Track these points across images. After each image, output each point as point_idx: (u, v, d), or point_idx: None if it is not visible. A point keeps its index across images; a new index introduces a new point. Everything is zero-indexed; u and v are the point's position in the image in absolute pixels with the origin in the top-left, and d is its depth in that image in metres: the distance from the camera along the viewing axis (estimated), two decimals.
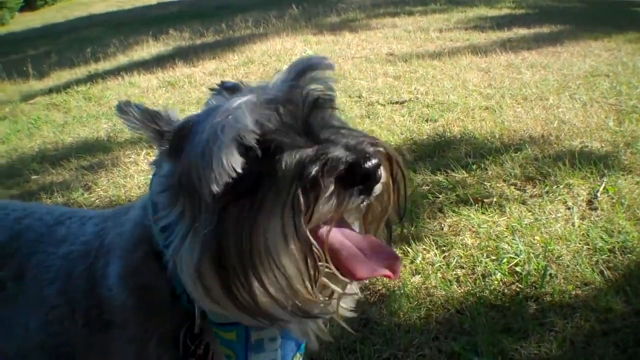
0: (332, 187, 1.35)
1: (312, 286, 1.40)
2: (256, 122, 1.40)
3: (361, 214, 1.61)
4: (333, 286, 1.45)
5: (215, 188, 1.38)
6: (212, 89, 1.75)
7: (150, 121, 1.58)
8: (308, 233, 1.35)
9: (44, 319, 1.93)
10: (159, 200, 1.60)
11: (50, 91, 10.41)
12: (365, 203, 1.48)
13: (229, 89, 1.70)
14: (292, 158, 1.38)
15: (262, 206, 1.37)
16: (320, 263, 1.39)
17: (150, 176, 1.73)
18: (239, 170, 1.37)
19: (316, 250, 1.37)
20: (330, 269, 1.42)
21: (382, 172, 1.42)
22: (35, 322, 1.95)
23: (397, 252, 1.54)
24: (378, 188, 1.43)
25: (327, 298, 1.48)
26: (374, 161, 1.36)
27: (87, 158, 6.56)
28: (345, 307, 1.64)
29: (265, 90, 1.52)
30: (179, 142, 1.53)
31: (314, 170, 1.34)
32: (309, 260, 1.37)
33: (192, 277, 1.46)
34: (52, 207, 2.28)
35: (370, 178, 1.37)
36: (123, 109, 1.58)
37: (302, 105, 1.48)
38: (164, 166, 1.60)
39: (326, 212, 1.37)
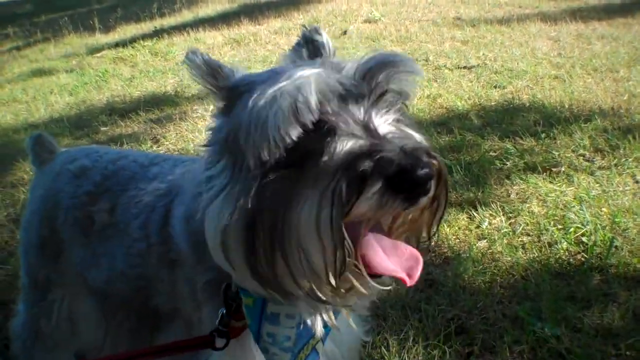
0: (378, 186, 1.29)
1: (335, 279, 1.36)
2: (318, 100, 1.35)
3: (390, 220, 1.53)
4: (355, 283, 1.42)
5: (264, 155, 1.35)
6: (299, 41, 1.80)
7: (209, 74, 1.59)
8: (343, 227, 1.31)
9: (126, 250, 2.07)
10: (206, 153, 1.60)
11: (116, 45, 10.60)
12: (406, 211, 1.42)
13: (311, 44, 1.76)
14: (344, 145, 1.35)
15: (303, 187, 1.34)
16: (348, 259, 1.35)
17: None
18: (291, 142, 1.33)
19: (347, 246, 1.33)
20: (358, 268, 1.39)
21: (432, 185, 1.36)
22: (120, 252, 2.10)
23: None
24: (424, 200, 1.37)
25: (344, 291, 1.44)
26: (427, 171, 1.30)
27: (155, 112, 6.71)
28: (361, 304, 1.69)
29: (337, 68, 1.46)
30: (233, 99, 1.54)
31: (366, 164, 1.30)
32: (338, 254, 1.32)
33: (215, 236, 1.46)
34: (148, 153, 2.39)
35: (419, 187, 1.31)
36: (190, 56, 1.60)
37: (368, 95, 1.43)
38: (216, 120, 1.60)
39: (366, 210, 1.31)
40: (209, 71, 1.59)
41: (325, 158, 1.34)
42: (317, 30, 1.76)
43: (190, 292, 1.83)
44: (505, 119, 5.44)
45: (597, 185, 4.21)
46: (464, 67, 7.03)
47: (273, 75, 1.44)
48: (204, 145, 1.60)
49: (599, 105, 5.57)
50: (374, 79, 1.44)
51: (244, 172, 1.40)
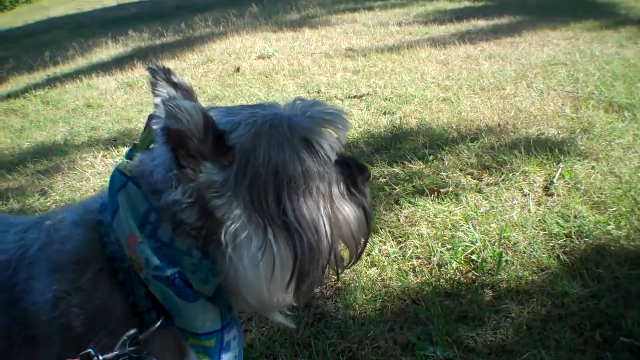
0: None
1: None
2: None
3: None
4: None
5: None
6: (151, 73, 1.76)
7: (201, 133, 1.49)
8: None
9: None
10: (180, 208, 1.55)
11: (8, 97, 10.27)
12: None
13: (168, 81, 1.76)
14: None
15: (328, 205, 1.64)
16: None
17: (111, 175, 1.65)
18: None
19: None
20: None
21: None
22: None
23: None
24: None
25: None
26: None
27: (43, 162, 6.44)
28: None
29: None
30: (217, 145, 1.52)
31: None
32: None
33: (274, 293, 1.60)
34: None
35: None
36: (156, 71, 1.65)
37: None
38: (204, 168, 1.53)
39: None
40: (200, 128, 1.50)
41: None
42: (168, 72, 1.78)
43: None
44: (395, 144, 5.38)
45: (486, 202, 4.17)
46: (355, 97, 7.00)
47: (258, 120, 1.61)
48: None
49: (486, 123, 5.58)
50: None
51: (272, 219, 1.55)
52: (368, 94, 7.04)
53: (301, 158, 1.55)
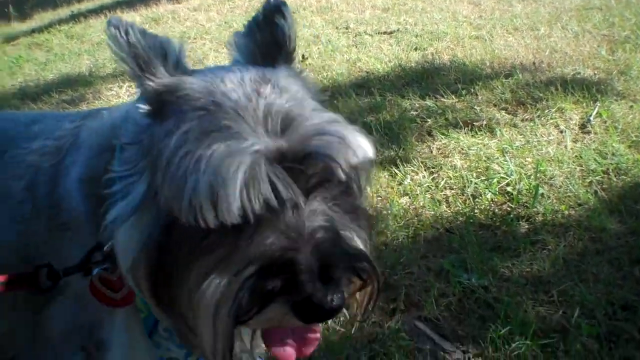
0: (282, 310, 1.21)
1: (224, 350, 1.29)
2: (241, 206, 1.19)
3: None
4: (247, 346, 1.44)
5: (176, 212, 1.24)
6: None
7: (134, 60, 1.36)
8: (234, 332, 1.27)
9: (9, 216, 1.79)
10: (124, 145, 1.46)
11: (32, 32, 10.24)
12: None
13: (270, 26, 1.51)
14: (263, 238, 1.23)
15: (211, 261, 1.25)
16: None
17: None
18: (205, 222, 1.22)
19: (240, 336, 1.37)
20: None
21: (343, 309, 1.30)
22: (5, 220, 1.81)
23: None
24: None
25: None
26: (336, 304, 1.20)
27: (68, 92, 6.42)
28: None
29: (272, 136, 1.28)
30: (159, 106, 1.37)
31: (274, 283, 1.20)
32: (225, 342, 1.27)
33: (125, 262, 1.38)
34: (28, 112, 2.14)
35: (324, 317, 1.24)
36: (112, 31, 1.34)
37: (307, 179, 1.28)
38: (138, 115, 1.41)
39: (263, 324, 1.29)
40: (133, 56, 1.36)
41: (241, 242, 1.24)
42: (280, 9, 1.51)
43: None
44: (426, 78, 5.28)
45: (521, 136, 4.08)
46: (385, 33, 6.87)
47: (209, 107, 1.32)
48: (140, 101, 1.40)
49: (520, 61, 5.45)
50: (316, 166, 1.28)
51: (158, 200, 1.30)
52: (398, 30, 6.90)
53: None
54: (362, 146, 1.31)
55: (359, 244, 1.36)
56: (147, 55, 1.36)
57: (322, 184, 1.30)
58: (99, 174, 1.51)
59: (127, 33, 1.33)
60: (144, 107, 1.37)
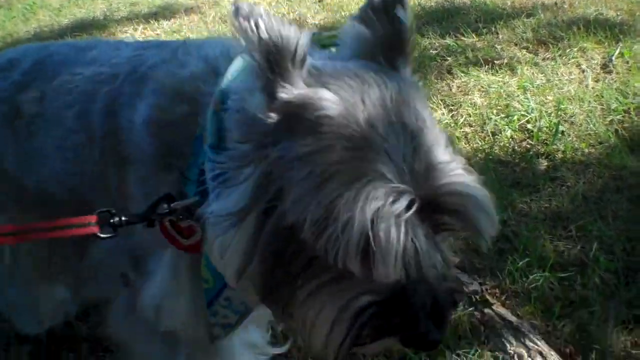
0: (393, 341, 1.22)
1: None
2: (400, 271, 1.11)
3: None
4: None
5: (324, 253, 1.12)
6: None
7: (275, 58, 1.17)
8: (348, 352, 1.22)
9: (58, 144, 1.76)
10: (231, 124, 1.29)
11: None
12: None
13: (388, 16, 1.30)
14: (385, 272, 1.12)
15: (326, 284, 1.19)
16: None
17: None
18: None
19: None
20: None
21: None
22: (50, 147, 1.78)
23: None
24: None
25: None
26: (439, 337, 1.21)
27: (83, 36, 6.37)
28: None
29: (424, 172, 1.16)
30: (295, 119, 1.18)
31: (392, 321, 1.18)
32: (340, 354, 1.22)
33: (233, 267, 1.27)
34: (83, 40, 2.09)
35: (427, 347, 1.36)
36: (244, 14, 1.17)
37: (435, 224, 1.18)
38: (257, 111, 1.21)
39: (373, 350, 1.34)
40: (265, 54, 1.17)
41: (360, 273, 1.13)
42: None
43: (146, 196, 1.50)
44: (446, 17, 5.22)
45: (542, 75, 4.04)
46: None
47: (356, 140, 1.14)
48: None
49: (542, 1, 5.36)
50: (454, 224, 1.20)
51: (272, 219, 1.18)
52: None
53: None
54: (496, 217, 1.24)
55: (454, 271, 1.34)
56: (279, 55, 1.17)
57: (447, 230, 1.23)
58: (171, 120, 1.48)
59: (257, 26, 1.15)
60: (272, 116, 1.18)
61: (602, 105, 3.63)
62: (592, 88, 3.83)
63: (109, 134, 1.63)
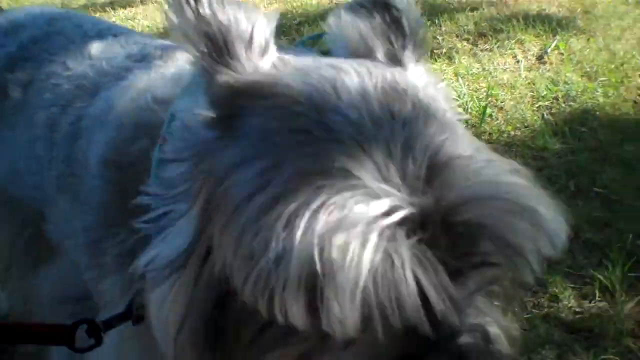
0: None
1: None
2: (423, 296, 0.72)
3: None
4: None
5: (260, 306, 0.76)
6: None
7: (207, 43, 0.90)
8: None
9: (27, 146, 1.57)
10: (165, 158, 1.02)
11: None
12: None
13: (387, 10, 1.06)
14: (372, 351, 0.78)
15: None
16: None
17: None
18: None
19: None
20: None
21: None
22: (21, 144, 1.60)
23: None
24: None
25: None
26: None
27: None
28: None
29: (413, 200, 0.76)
30: (237, 113, 0.88)
31: None
32: None
33: (163, 330, 0.93)
34: (106, 22, 1.77)
35: None
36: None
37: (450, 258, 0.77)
38: (194, 119, 0.94)
39: None
40: (204, 34, 0.90)
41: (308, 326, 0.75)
42: None
43: (89, 248, 1.32)
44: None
45: (478, 64, 4.17)
46: None
47: (313, 129, 0.81)
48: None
49: None
50: (478, 247, 0.80)
51: (212, 261, 0.86)
52: None
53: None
54: (562, 229, 0.81)
55: (503, 339, 0.86)
56: (225, 37, 0.90)
57: (477, 267, 0.81)
58: (127, 161, 1.22)
59: (197, 1, 0.89)
60: (206, 113, 0.91)
61: (533, 93, 3.79)
62: (525, 77, 3.98)
63: (67, 160, 1.43)
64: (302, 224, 0.71)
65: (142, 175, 1.10)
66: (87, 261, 1.33)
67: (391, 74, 0.92)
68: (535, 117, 3.48)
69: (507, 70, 4.09)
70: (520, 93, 3.75)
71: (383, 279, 0.70)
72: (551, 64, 4.15)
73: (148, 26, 5.62)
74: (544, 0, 5.40)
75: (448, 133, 0.84)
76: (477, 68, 4.11)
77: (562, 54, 4.29)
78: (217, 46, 0.90)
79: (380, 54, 1.02)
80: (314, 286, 0.70)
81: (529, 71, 4.08)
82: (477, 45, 4.51)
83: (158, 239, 0.94)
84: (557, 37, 4.52)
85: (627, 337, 2.24)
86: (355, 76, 0.87)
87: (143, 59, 1.48)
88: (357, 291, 0.69)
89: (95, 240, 1.29)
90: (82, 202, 1.34)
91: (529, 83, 3.88)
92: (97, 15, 6.11)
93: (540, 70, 4.08)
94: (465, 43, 4.56)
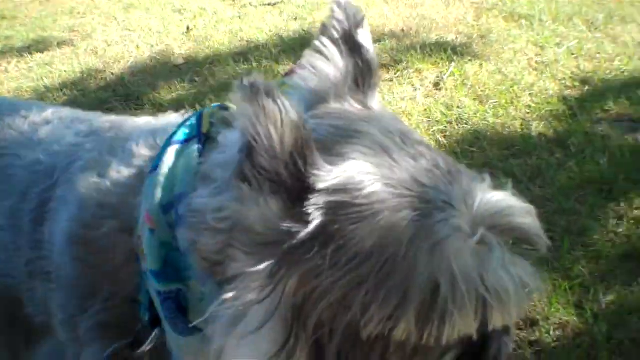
0: None
1: None
2: None
3: None
4: None
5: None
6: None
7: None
8: None
9: None
10: (202, 225, 1.05)
11: None
12: None
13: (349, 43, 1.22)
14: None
15: None
16: None
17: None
18: None
19: None
20: None
21: None
22: None
23: None
24: None
25: None
26: None
27: None
28: None
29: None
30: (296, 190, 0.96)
31: None
32: None
33: None
34: (53, 106, 1.76)
35: None
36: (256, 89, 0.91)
37: None
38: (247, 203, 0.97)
39: None
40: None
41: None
42: (363, 20, 1.25)
43: (67, 323, 1.37)
44: (302, 46, 5.51)
45: (380, 95, 4.44)
46: (269, 4, 7.14)
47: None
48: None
49: (390, 29, 5.81)
50: None
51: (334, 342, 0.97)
52: (282, 2, 7.19)
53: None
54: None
55: None
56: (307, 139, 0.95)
57: None
58: (92, 236, 1.27)
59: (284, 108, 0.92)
60: (307, 218, 0.96)
61: (429, 118, 4.08)
62: (422, 104, 4.27)
63: (33, 245, 1.44)
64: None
65: (109, 252, 1.24)
66: (66, 336, 1.38)
67: (389, 119, 1.18)
68: (430, 142, 3.74)
69: (405, 98, 4.37)
70: (417, 119, 4.02)
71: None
72: (446, 89, 4.46)
73: (65, 71, 5.71)
74: (442, 28, 5.74)
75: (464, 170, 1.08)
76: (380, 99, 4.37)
77: (457, 79, 4.60)
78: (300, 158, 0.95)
79: (347, 96, 1.18)
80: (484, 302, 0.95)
81: (426, 97, 4.37)
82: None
83: (228, 339, 1.01)
84: (453, 63, 4.84)
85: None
86: (421, 159, 1.04)
87: (92, 134, 1.50)
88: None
89: (70, 315, 1.33)
90: (53, 280, 1.37)
91: (425, 110, 4.17)
92: (15, 60, 6.20)
93: (436, 97, 4.38)
94: None
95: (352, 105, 1.18)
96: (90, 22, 7.44)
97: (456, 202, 0.97)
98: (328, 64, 1.18)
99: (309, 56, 1.20)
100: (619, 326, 2.51)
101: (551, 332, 2.51)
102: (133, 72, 5.63)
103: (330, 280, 0.93)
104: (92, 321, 1.27)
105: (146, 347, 1.18)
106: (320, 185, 0.95)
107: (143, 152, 1.30)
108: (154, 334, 1.19)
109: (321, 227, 0.94)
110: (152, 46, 6.22)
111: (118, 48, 6.26)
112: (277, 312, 0.95)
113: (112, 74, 5.67)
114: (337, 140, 1.02)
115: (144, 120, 1.47)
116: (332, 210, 0.95)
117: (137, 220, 1.19)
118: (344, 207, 0.95)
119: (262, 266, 0.96)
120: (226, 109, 1.24)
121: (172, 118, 1.43)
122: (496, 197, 1.01)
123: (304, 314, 0.95)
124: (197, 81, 5.13)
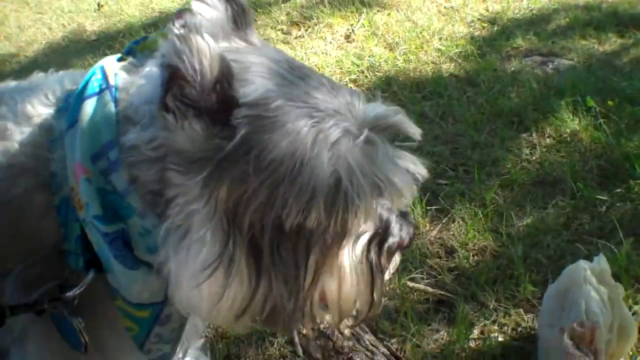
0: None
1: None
2: None
3: None
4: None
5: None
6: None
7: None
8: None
9: None
10: (138, 158, 1.19)
11: None
12: None
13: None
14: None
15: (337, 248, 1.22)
16: None
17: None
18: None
19: None
20: None
21: None
22: None
23: None
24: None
25: None
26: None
27: None
28: None
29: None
30: (220, 110, 1.11)
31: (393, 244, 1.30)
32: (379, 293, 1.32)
33: (231, 314, 1.23)
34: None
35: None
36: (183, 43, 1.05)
37: None
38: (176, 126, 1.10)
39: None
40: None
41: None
42: None
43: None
44: None
45: (291, 51, 4.46)
46: None
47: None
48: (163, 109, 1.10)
49: None
50: None
51: (266, 236, 1.16)
52: None
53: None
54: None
55: None
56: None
57: None
58: (13, 205, 1.26)
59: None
60: (229, 130, 1.13)
61: (341, 69, 4.11)
62: (334, 56, 4.31)
63: None
64: None
65: (23, 209, 1.26)
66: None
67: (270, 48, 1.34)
68: None
69: (318, 52, 4.40)
70: (329, 71, 4.05)
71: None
72: (357, 41, 4.50)
73: None
74: None
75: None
76: (290, 54, 4.37)
77: (368, 30, 4.64)
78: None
79: (233, 34, 1.30)
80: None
81: (338, 50, 4.40)
82: (291, 34, 4.81)
83: (178, 254, 1.18)
84: (363, 15, 4.87)
85: (431, 258, 2.57)
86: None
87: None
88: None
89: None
90: None
91: (337, 62, 4.20)
92: None
93: (347, 49, 4.41)
94: (279, 33, 4.86)
95: (238, 43, 1.31)
96: (2, 9, 7.26)
97: (343, 110, 1.17)
98: (212, 10, 1.30)
99: (194, 5, 1.31)
100: (534, 246, 2.59)
101: (470, 258, 2.57)
102: (46, 53, 5.54)
103: (255, 184, 1.11)
104: (17, 282, 1.27)
105: (79, 289, 1.22)
106: (243, 100, 1.11)
107: (40, 110, 1.33)
108: (90, 276, 1.23)
109: (243, 138, 1.10)
110: (65, 26, 6.13)
111: (31, 31, 6.16)
112: (214, 217, 1.13)
113: (26, 57, 5.59)
114: (237, 70, 1.14)
115: (14, 83, 1.47)
116: (252, 123, 1.11)
117: (53, 175, 1.25)
118: (259, 119, 1.11)
119: (197, 178, 1.12)
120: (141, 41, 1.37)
121: (40, 77, 1.46)
122: (372, 105, 1.22)
123: (237, 217, 1.13)
124: (110, 54, 5.05)
